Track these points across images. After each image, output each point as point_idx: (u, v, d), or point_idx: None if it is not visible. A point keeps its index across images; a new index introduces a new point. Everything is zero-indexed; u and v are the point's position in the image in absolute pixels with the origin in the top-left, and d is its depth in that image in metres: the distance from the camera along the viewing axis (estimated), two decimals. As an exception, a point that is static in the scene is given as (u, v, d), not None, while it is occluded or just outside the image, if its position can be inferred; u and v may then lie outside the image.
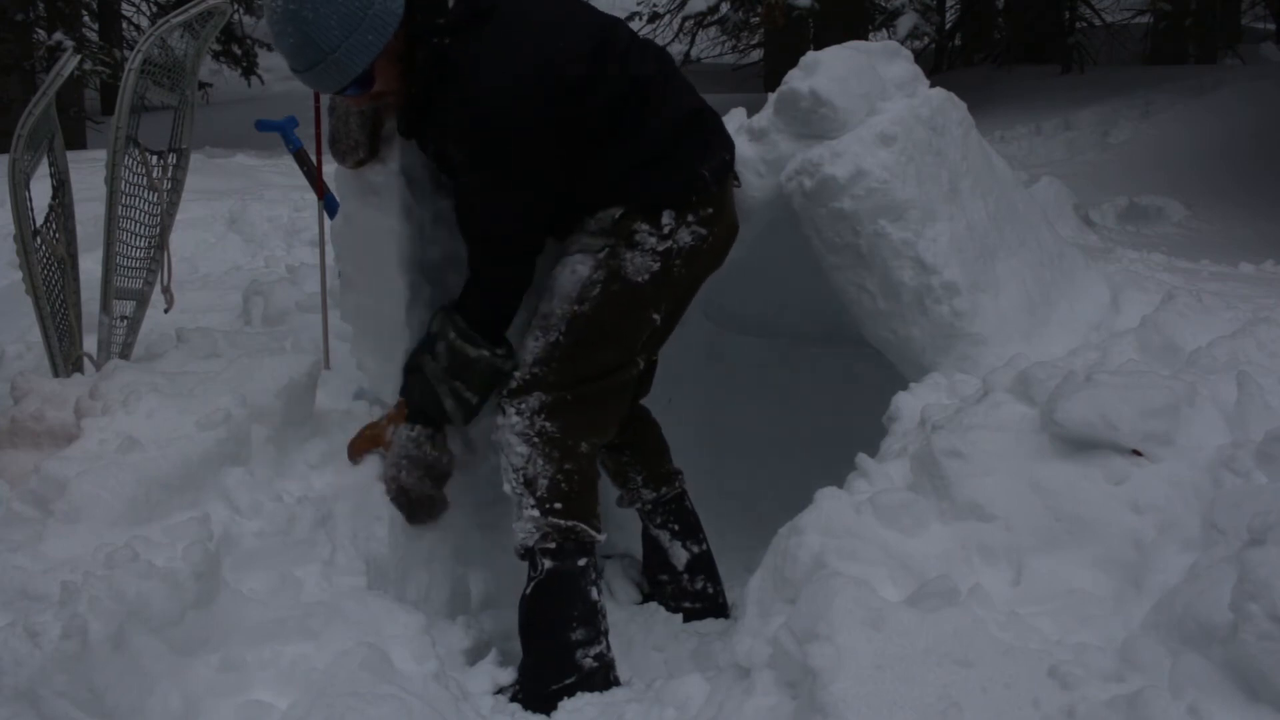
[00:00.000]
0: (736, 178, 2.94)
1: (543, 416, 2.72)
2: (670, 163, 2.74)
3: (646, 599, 3.23)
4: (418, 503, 2.83)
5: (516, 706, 2.64)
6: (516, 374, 2.75)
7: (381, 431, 2.85)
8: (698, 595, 3.16)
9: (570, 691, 2.66)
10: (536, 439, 2.72)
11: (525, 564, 2.76)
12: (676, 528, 3.15)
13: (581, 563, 2.73)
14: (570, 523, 2.71)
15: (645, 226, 2.73)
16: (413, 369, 2.81)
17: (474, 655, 2.83)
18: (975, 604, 2.06)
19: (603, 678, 2.70)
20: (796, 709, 1.98)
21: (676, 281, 2.80)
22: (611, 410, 2.84)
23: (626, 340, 2.79)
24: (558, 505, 2.71)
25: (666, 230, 2.74)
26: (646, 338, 2.82)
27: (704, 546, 3.18)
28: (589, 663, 2.69)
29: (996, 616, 2.05)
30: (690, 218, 2.75)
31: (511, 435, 2.73)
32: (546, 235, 2.78)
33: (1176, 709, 1.78)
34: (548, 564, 2.71)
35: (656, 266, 2.74)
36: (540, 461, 2.71)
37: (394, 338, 2.91)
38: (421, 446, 2.81)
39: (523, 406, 2.72)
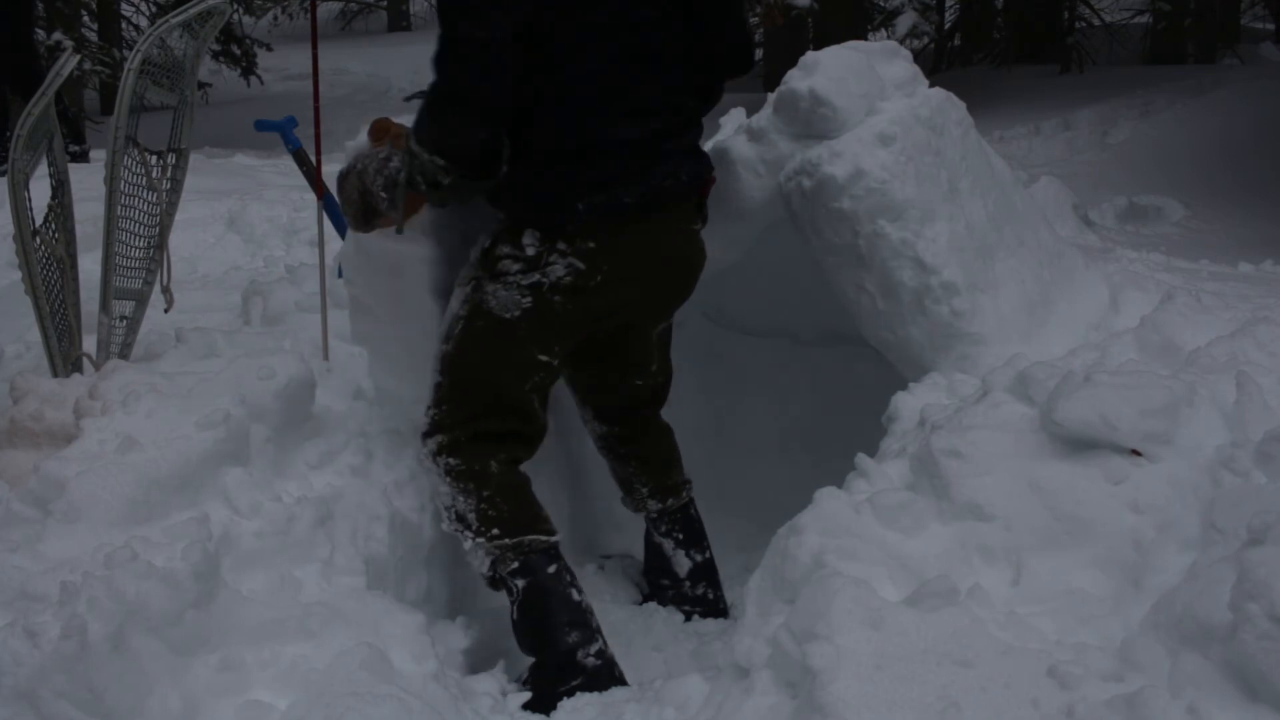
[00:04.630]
0: (700, 217, 2.82)
1: (445, 455, 2.73)
2: (543, 186, 2.60)
3: (646, 599, 3.23)
4: (369, 211, 2.71)
5: (517, 706, 2.64)
6: (422, 418, 2.77)
7: (391, 133, 2.72)
8: (698, 600, 3.15)
9: (579, 691, 2.64)
10: (449, 477, 2.72)
11: (503, 592, 2.75)
12: (681, 536, 3.13)
13: (551, 570, 2.71)
14: (517, 539, 2.70)
15: (507, 249, 2.63)
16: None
17: (474, 655, 2.83)
18: (974, 604, 2.06)
19: (608, 674, 2.68)
20: (796, 709, 1.98)
21: (564, 319, 2.67)
22: (516, 442, 2.79)
23: (504, 380, 2.71)
24: (495, 530, 2.70)
25: (530, 253, 2.61)
26: (539, 378, 2.74)
27: (707, 554, 3.15)
28: (591, 661, 2.67)
29: (996, 616, 2.05)
30: (562, 245, 2.60)
31: (434, 478, 2.76)
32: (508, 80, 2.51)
33: (1176, 709, 1.79)
34: (520, 583, 2.69)
35: (528, 302, 2.63)
36: (461, 498, 2.72)
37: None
38: (391, 168, 2.65)
39: (430, 447, 2.74)
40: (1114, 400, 2.30)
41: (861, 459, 2.59)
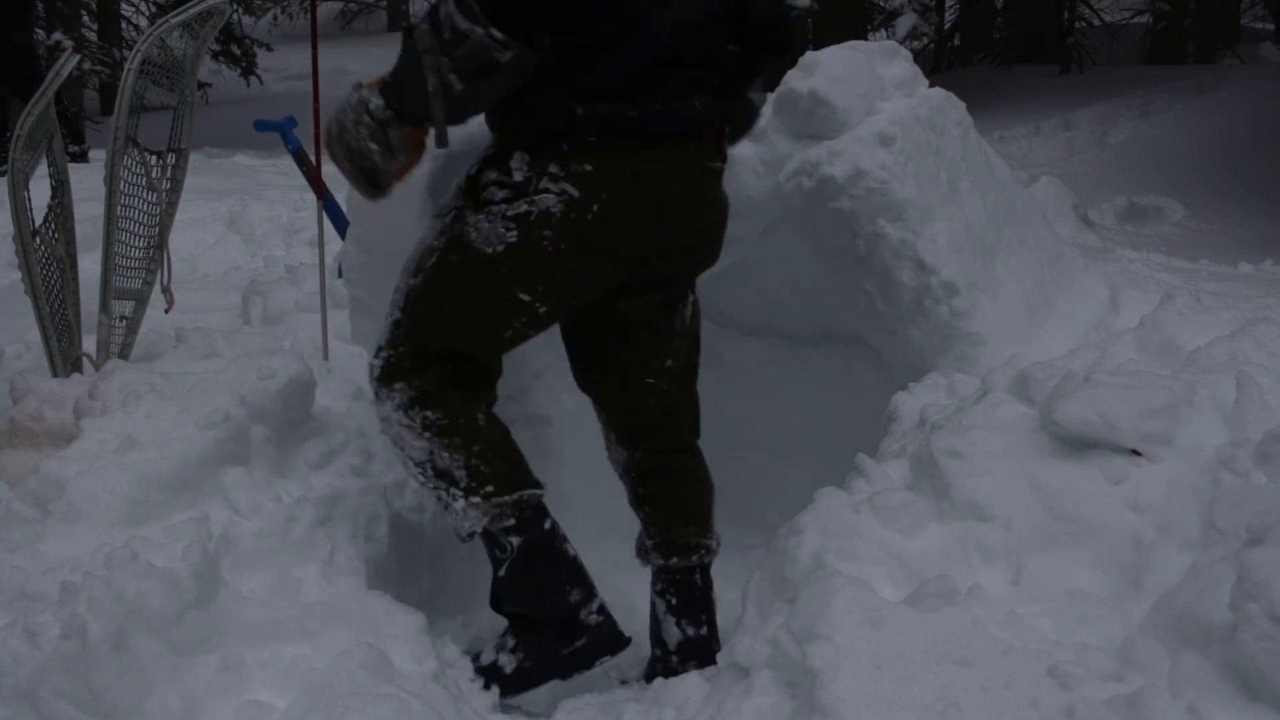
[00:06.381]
0: (718, 153, 2.51)
1: (419, 408, 2.41)
2: (541, 88, 2.27)
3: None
4: (368, 171, 2.37)
5: (517, 706, 2.63)
6: (374, 360, 2.47)
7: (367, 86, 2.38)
8: None
9: (586, 654, 2.54)
10: (428, 432, 2.42)
11: (484, 546, 2.54)
12: (674, 601, 2.72)
13: (547, 525, 2.50)
14: (515, 495, 2.45)
15: (494, 175, 2.34)
16: (408, 31, 2.28)
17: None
18: (974, 604, 2.07)
19: (611, 630, 2.56)
20: (795, 709, 1.98)
21: (555, 259, 2.34)
22: (480, 383, 2.49)
23: (477, 323, 2.43)
24: (490, 488, 2.43)
25: (519, 178, 2.32)
26: (520, 324, 2.45)
27: (703, 630, 2.71)
28: (595, 618, 2.55)
29: (995, 616, 2.05)
30: (554, 169, 2.30)
31: (401, 430, 2.44)
32: None
33: (1176, 709, 1.79)
34: (516, 540, 2.49)
35: (514, 237, 2.32)
36: (446, 454, 2.43)
37: None
38: (371, 113, 2.32)
39: (398, 400, 2.42)
40: (1114, 400, 2.30)
41: (861, 459, 2.59)
